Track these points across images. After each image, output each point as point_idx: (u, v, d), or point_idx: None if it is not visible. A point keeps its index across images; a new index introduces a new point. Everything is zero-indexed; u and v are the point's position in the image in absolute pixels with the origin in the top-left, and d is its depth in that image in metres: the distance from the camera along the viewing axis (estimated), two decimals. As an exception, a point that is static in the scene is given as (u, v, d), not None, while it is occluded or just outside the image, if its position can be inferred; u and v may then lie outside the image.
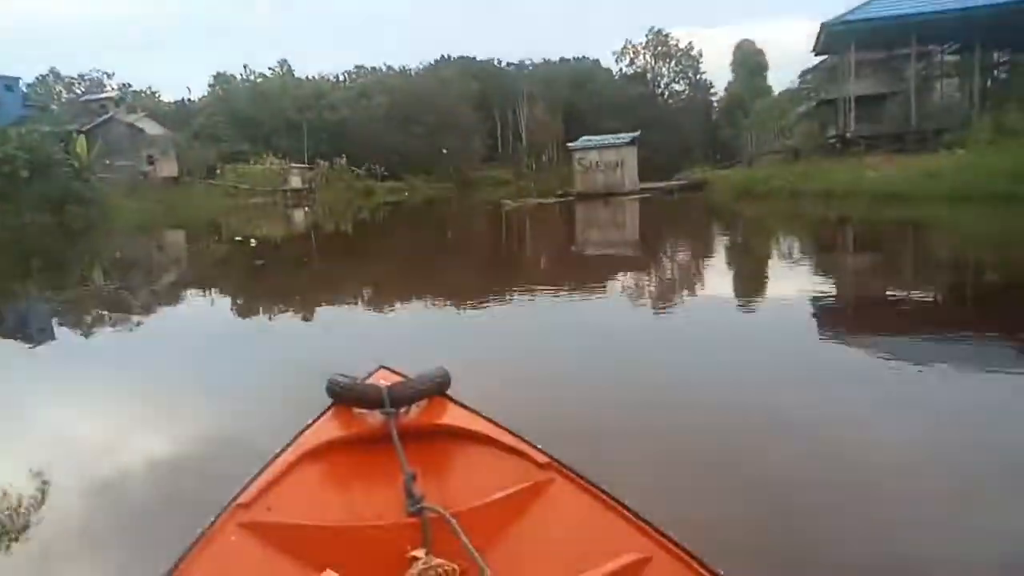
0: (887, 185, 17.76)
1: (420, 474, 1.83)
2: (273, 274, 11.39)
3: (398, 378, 2.35)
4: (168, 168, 41.69)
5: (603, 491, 1.74)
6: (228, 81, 56.51)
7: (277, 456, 1.94)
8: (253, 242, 14.90)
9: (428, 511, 1.65)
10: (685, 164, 72.07)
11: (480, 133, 57.97)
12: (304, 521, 1.68)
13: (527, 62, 67.28)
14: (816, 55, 31.25)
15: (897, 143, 23.29)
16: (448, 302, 7.80)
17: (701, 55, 72.25)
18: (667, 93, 74.16)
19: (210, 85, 57.18)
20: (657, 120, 71.82)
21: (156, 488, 2.99)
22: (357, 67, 59.88)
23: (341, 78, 60.07)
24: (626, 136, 28.58)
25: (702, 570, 1.43)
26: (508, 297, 7.99)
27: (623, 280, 9.22)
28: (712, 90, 74.12)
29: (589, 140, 28.84)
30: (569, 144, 29.17)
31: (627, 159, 27.32)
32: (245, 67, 57.21)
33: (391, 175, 52.00)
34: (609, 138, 28.91)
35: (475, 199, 38.84)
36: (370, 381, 2.33)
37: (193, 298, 9.33)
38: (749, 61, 36.44)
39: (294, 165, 44.68)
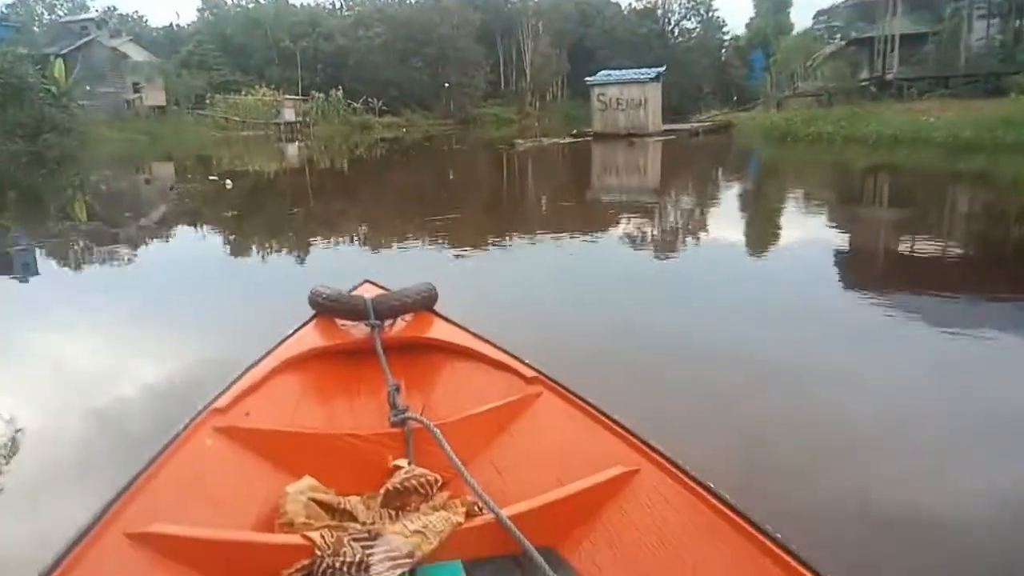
0: (953, 132, 15.98)
1: (404, 386, 1.82)
2: (251, 225, 10.01)
3: (382, 291, 2.28)
4: (155, 97, 39.69)
5: (591, 405, 1.69)
6: (218, 6, 53.56)
7: (255, 364, 1.89)
8: (228, 183, 13.00)
9: (412, 421, 1.63)
10: (698, 106, 70.36)
11: (483, 68, 55.41)
12: (283, 427, 1.67)
13: (532, -7, 63.91)
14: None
15: (939, 86, 21.62)
16: (458, 257, 6.56)
17: (714, -5, 69.20)
18: (677, 31, 71.20)
19: (199, 10, 54.32)
20: (668, 59, 68.95)
21: (137, 398, 3.15)
22: (355, -8, 56.78)
23: (338, 5, 57.03)
24: (650, 71, 26.20)
25: (690, 482, 1.40)
26: (526, 260, 6.69)
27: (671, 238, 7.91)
28: (724, 28, 71.35)
29: (609, 75, 26.41)
30: (588, 79, 26.68)
31: (651, 97, 25.06)
32: (237, -9, 54.18)
33: (389, 110, 49.87)
34: (631, 73, 26.57)
35: (479, 137, 37.06)
36: (355, 293, 2.25)
37: (165, 236, 8.20)
38: None
39: (288, 97, 42.57)
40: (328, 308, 2.15)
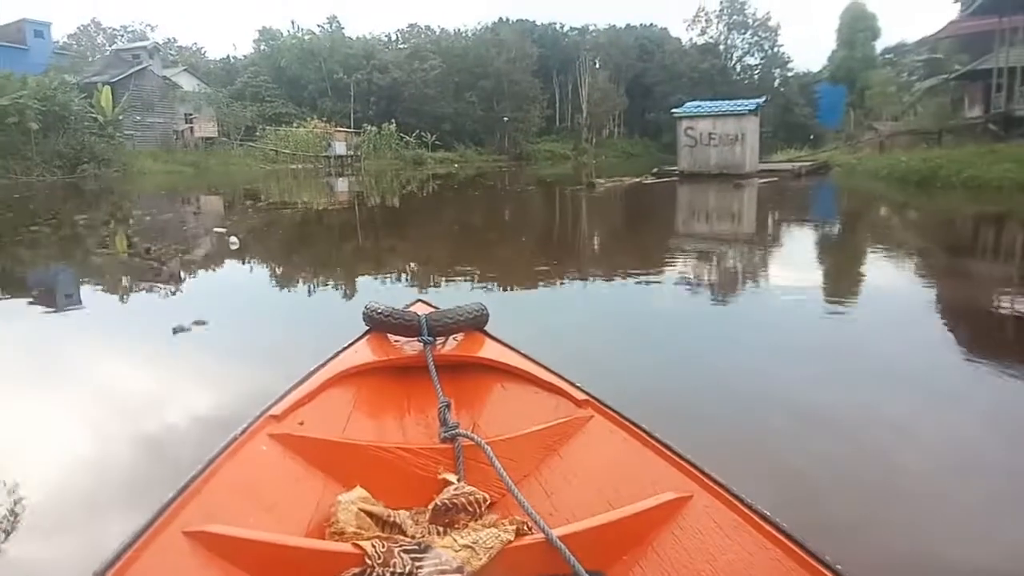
0: None
1: (454, 404, 1.84)
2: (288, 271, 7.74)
3: (435, 310, 2.31)
4: (206, 128, 38.69)
5: (643, 429, 1.68)
6: (274, 37, 53.08)
7: (312, 374, 1.92)
8: (234, 242, 9.08)
9: (462, 438, 1.64)
10: (768, 145, 67.72)
11: (539, 102, 53.63)
12: (335, 438, 1.70)
13: (590, 27, 62.45)
14: (968, 14, 26.72)
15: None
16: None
17: (779, 27, 66.80)
18: (739, 67, 68.81)
19: (255, 41, 53.88)
20: (730, 96, 66.69)
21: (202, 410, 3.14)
22: (410, 26, 55.97)
23: (393, 37, 56.24)
24: (748, 103, 23.42)
25: (745, 509, 1.38)
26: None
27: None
28: (789, 64, 68.69)
29: (700, 106, 23.63)
30: (675, 111, 23.75)
31: (749, 132, 22.13)
32: (293, 23, 53.75)
33: (442, 145, 48.30)
34: (726, 104, 23.77)
35: (536, 174, 34.91)
36: (409, 311, 2.25)
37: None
38: (859, 26, 31.44)
39: (339, 129, 41.16)
40: (381, 324, 2.15)
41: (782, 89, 67.45)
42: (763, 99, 24.15)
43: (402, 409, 1.98)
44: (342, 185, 27.58)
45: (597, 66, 60.86)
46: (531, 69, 52.15)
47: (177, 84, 36.46)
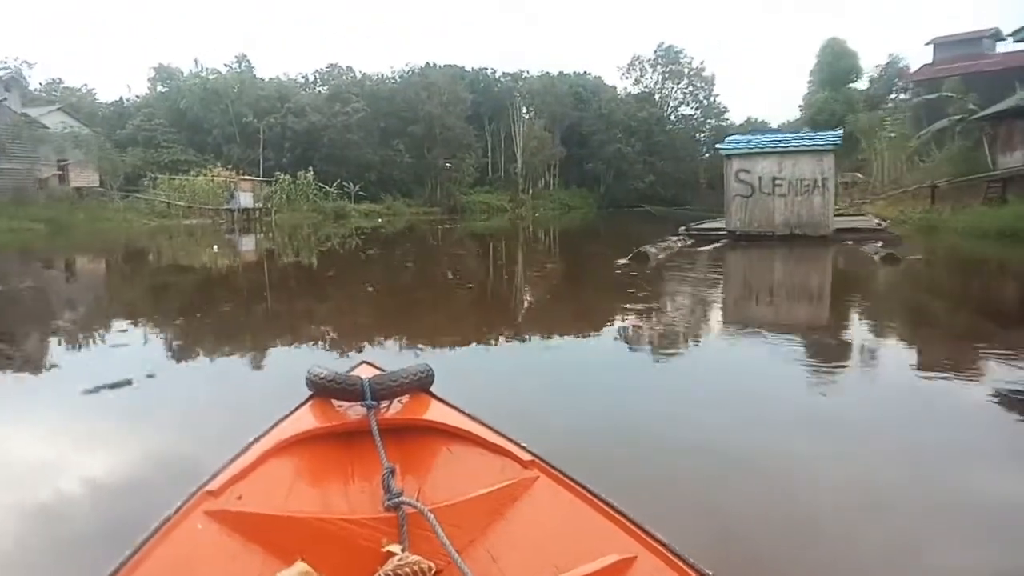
0: None
1: (399, 469, 1.80)
2: None
3: (380, 372, 2.27)
4: (85, 177, 32.39)
5: (588, 490, 1.70)
6: (173, 76, 47.12)
7: (251, 445, 1.86)
8: None
9: (406, 506, 1.63)
10: (690, 196, 65.80)
11: (474, 150, 49.39)
12: (275, 512, 1.66)
13: (524, 73, 59.07)
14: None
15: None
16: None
17: (714, 77, 65.49)
18: (674, 116, 66.91)
19: (150, 80, 47.71)
20: (668, 147, 64.76)
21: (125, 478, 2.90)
22: (330, 66, 50.81)
23: (311, 79, 51.07)
24: (827, 136, 16.99)
25: (688, 570, 1.41)
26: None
27: None
28: (724, 115, 67.29)
29: (754, 140, 16.91)
30: (720, 146, 17.58)
31: (828, 175, 16.04)
32: (196, 61, 47.97)
33: (367, 196, 43.19)
34: (795, 137, 17.43)
35: (479, 228, 30.27)
36: (352, 374, 2.23)
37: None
38: (841, 65, 28.66)
39: (244, 178, 35.35)
40: (325, 389, 2.10)
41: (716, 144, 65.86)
42: (840, 131, 18.03)
43: (346, 477, 1.89)
44: (248, 243, 22.16)
45: (532, 114, 57.46)
46: (465, 114, 47.96)
47: (42, 124, 30.10)
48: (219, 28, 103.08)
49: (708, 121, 66.87)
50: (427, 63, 52.23)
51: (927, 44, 32.00)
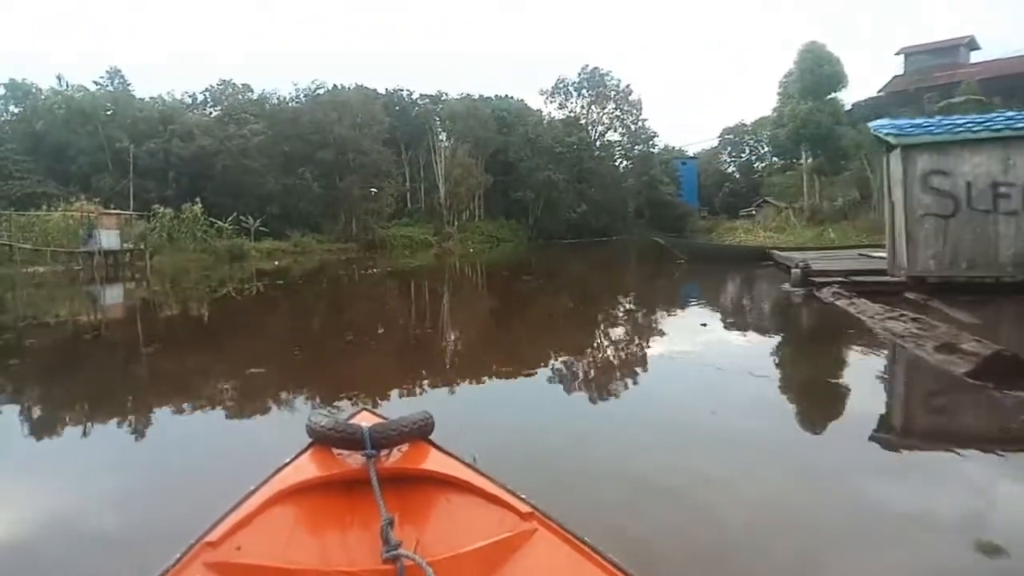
0: None
1: (398, 520, 1.82)
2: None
3: (380, 420, 2.27)
4: None
5: (587, 543, 1.72)
6: (28, 94, 39.57)
7: (250, 495, 1.88)
8: None
9: (404, 558, 1.64)
10: (625, 225, 62.61)
11: (393, 178, 44.03)
12: (275, 563, 1.67)
13: (443, 95, 54.30)
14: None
15: None
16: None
17: (641, 101, 62.84)
18: (599, 143, 63.72)
19: (1, 99, 39.88)
20: (596, 174, 61.37)
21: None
22: (222, 82, 44.14)
23: (200, 98, 44.22)
24: None
25: None
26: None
27: None
28: (653, 141, 64.69)
29: (954, 124, 9.87)
30: (882, 129, 10.41)
31: None
32: (59, 78, 40.48)
33: (269, 232, 36.95)
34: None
35: (411, 266, 24.93)
36: (352, 421, 2.21)
37: None
38: (821, 72, 25.31)
39: (108, 212, 28.30)
40: (325, 437, 2.07)
41: (651, 169, 63.14)
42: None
43: (346, 527, 1.88)
44: (108, 295, 16.14)
45: (454, 139, 52.71)
46: (382, 137, 42.58)
47: None
48: (86, 39, 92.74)
49: (636, 147, 64.04)
50: (335, 85, 46.51)
51: (897, 54, 29.50)
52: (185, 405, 5.34)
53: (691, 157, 78.00)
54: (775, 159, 45.34)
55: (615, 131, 64.09)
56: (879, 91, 28.56)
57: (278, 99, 43.65)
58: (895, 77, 28.77)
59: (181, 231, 31.45)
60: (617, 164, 64.60)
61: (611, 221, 59.59)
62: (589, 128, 62.25)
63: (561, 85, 61.91)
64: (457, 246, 44.77)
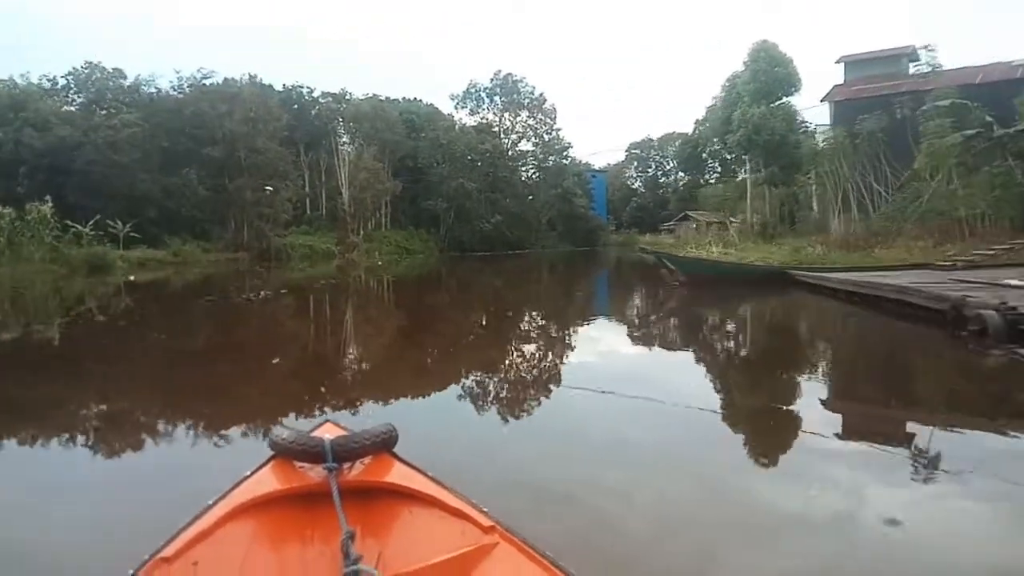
0: None
1: (360, 533, 1.79)
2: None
3: (343, 432, 2.24)
4: None
5: (547, 557, 1.71)
6: None
7: (208, 509, 1.85)
8: None
9: (364, 572, 1.60)
10: (536, 238, 60.05)
11: (292, 180, 39.60)
12: None
13: (349, 94, 49.97)
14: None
15: None
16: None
17: (555, 110, 60.67)
18: (512, 152, 61.00)
19: None
20: (511, 184, 58.66)
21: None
22: (88, 64, 37.77)
23: (61, 83, 37.95)
24: None
25: None
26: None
27: None
28: (566, 152, 62.69)
29: None
30: None
31: None
32: None
33: (143, 238, 31.81)
34: None
35: (303, 278, 21.12)
36: (316, 434, 2.17)
37: None
38: (774, 74, 23.39)
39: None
40: (286, 450, 2.05)
41: (564, 180, 61.15)
42: None
43: (306, 541, 1.84)
44: None
45: (359, 141, 48.62)
46: (280, 135, 38.07)
47: None
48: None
49: (549, 158, 61.78)
50: (226, 79, 41.37)
51: (837, 62, 28.18)
52: None
53: (599, 171, 76.87)
54: (701, 171, 44.19)
55: (528, 140, 61.62)
56: (821, 99, 27.09)
57: (157, 88, 38.25)
58: (836, 86, 27.51)
59: (21, 236, 26.04)
60: (530, 175, 62.13)
61: (525, 233, 57.00)
62: (502, 136, 59.53)
63: (473, 90, 58.98)
64: (362, 257, 40.78)
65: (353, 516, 1.80)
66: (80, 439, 4.94)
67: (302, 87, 48.86)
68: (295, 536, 1.86)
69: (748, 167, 27.29)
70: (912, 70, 27.06)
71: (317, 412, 5.32)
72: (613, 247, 61.85)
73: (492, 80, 59.36)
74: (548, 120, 60.83)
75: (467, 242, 51.16)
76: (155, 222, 33.74)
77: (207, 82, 38.68)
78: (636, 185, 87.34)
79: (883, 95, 25.07)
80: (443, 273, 29.59)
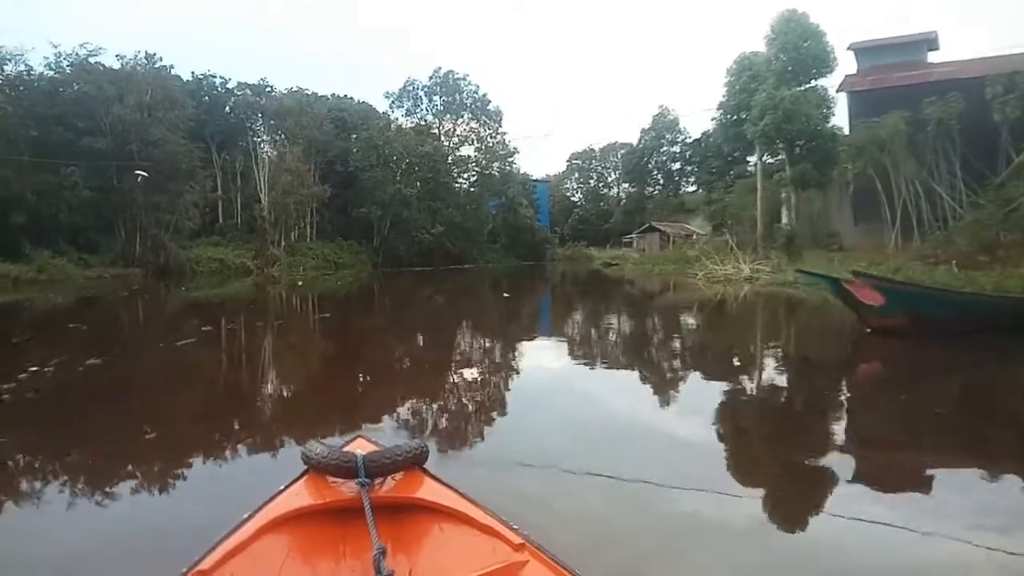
0: None
1: (391, 549, 1.79)
2: None
3: (375, 448, 2.29)
4: None
5: (577, 575, 1.70)
6: None
7: (244, 522, 1.87)
8: None
9: None
10: (481, 251, 54.91)
11: (200, 180, 33.34)
12: None
13: (267, 87, 43.62)
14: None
15: None
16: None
17: (500, 111, 55.97)
18: (451, 157, 55.77)
19: None
20: (452, 192, 53.45)
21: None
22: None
23: None
24: None
25: None
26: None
27: None
28: (512, 157, 57.96)
29: None
30: None
31: None
32: None
33: (4, 249, 25.20)
34: None
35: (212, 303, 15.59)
36: (348, 449, 2.20)
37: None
38: (805, 50, 19.15)
39: None
40: (319, 465, 2.08)
41: (509, 189, 56.49)
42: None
43: (338, 556, 1.86)
44: None
45: (281, 139, 42.57)
46: (184, 125, 31.79)
47: None
48: None
49: (494, 164, 56.92)
50: (119, 56, 34.56)
51: (848, 49, 24.45)
52: None
53: (540, 180, 72.66)
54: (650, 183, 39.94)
55: (470, 145, 56.61)
56: (837, 90, 23.24)
57: (27, 66, 31.24)
58: (848, 76, 23.82)
59: None
60: (473, 181, 57.02)
61: (467, 246, 51.93)
62: (443, 139, 54.38)
63: (411, 88, 53.64)
64: (284, 273, 34.87)
65: (385, 531, 1.80)
66: None
67: (214, 76, 42.47)
68: (328, 550, 1.87)
69: (759, 165, 23.05)
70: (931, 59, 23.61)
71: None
72: (561, 262, 57.43)
73: (431, 78, 54.24)
74: (492, 123, 56.08)
75: (404, 255, 45.69)
76: (24, 229, 27.12)
77: (93, 60, 31.97)
78: (576, 198, 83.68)
79: (908, 85, 21.43)
80: (375, 292, 24.30)
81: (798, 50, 20.06)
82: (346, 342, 10.74)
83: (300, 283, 27.47)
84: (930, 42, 23.59)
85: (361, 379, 7.57)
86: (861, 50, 24.38)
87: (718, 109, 23.57)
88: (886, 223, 19.21)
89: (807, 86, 20.77)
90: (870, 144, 18.19)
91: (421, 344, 10.82)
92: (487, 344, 10.32)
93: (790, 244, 20.27)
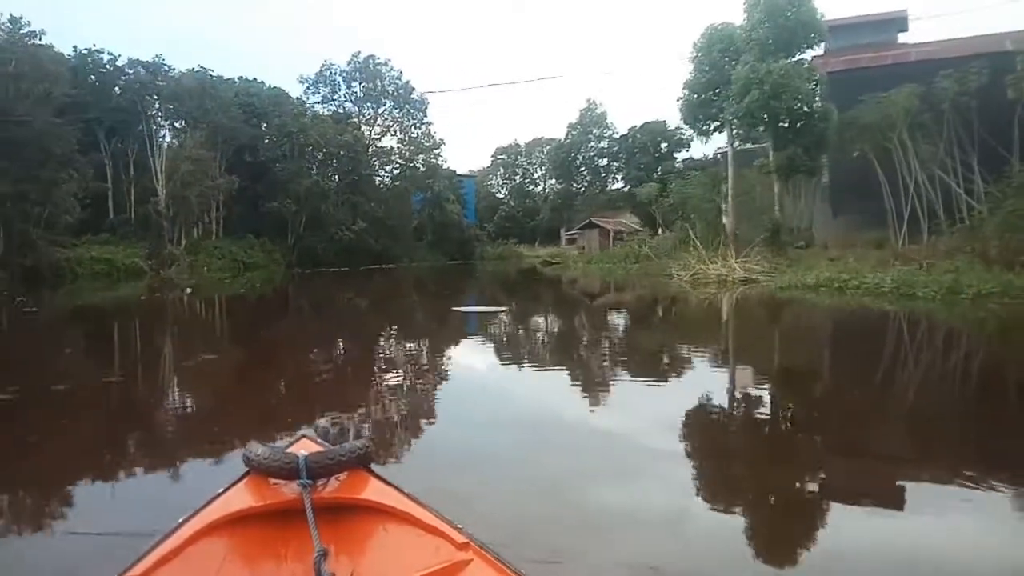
0: None
1: (334, 550, 1.75)
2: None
3: (320, 448, 2.13)
4: None
5: (520, 573, 1.68)
6: None
7: (178, 527, 1.78)
8: None
9: None
10: (407, 251, 51.35)
11: (79, 168, 28.64)
12: None
13: (165, 65, 38.72)
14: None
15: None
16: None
17: (426, 100, 52.63)
18: (372, 149, 51.99)
19: None
20: (372, 184, 49.65)
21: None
22: None
23: None
24: None
25: None
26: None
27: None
28: (439, 151, 54.71)
29: None
30: None
31: None
32: None
33: None
34: None
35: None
36: (291, 450, 2.09)
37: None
38: (796, 18, 16.92)
39: None
40: (260, 466, 1.97)
41: (435, 183, 53.23)
42: None
43: (279, 559, 1.79)
44: None
45: (182, 125, 37.92)
46: (57, 103, 27.09)
47: None
48: None
49: (419, 156, 53.48)
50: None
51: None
52: None
53: (465, 176, 69.69)
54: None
55: (393, 135, 53.03)
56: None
57: None
58: (816, 57, 21.95)
59: None
60: (397, 175, 53.42)
61: (391, 243, 48.39)
62: (363, 128, 50.59)
63: (327, 73, 49.63)
64: (184, 275, 30.62)
65: (327, 533, 1.77)
66: None
67: (100, 52, 37.33)
68: (268, 554, 1.82)
69: (730, 152, 20.70)
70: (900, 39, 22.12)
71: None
72: (491, 260, 54.62)
73: (350, 63, 50.45)
74: (417, 112, 52.70)
75: (322, 254, 41.90)
76: None
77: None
78: (502, 194, 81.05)
79: (885, 65, 19.73)
80: (290, 294, 20.66)
81: (785, 16, 17.88)
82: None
83: (189, 290, 23.13)
84: (900, 22, 22.05)
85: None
86: (831, 28, 22.70)
87: (684, 88, 21.20)
88: (884, 216, 17.28)
89: (794, 59, 18.69)
90: (880, 123, 16.09)
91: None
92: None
93: (774, 238, 18.11)
